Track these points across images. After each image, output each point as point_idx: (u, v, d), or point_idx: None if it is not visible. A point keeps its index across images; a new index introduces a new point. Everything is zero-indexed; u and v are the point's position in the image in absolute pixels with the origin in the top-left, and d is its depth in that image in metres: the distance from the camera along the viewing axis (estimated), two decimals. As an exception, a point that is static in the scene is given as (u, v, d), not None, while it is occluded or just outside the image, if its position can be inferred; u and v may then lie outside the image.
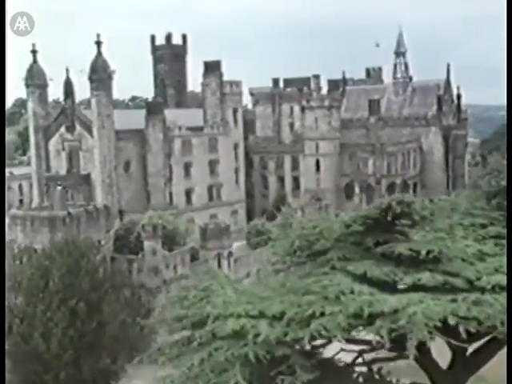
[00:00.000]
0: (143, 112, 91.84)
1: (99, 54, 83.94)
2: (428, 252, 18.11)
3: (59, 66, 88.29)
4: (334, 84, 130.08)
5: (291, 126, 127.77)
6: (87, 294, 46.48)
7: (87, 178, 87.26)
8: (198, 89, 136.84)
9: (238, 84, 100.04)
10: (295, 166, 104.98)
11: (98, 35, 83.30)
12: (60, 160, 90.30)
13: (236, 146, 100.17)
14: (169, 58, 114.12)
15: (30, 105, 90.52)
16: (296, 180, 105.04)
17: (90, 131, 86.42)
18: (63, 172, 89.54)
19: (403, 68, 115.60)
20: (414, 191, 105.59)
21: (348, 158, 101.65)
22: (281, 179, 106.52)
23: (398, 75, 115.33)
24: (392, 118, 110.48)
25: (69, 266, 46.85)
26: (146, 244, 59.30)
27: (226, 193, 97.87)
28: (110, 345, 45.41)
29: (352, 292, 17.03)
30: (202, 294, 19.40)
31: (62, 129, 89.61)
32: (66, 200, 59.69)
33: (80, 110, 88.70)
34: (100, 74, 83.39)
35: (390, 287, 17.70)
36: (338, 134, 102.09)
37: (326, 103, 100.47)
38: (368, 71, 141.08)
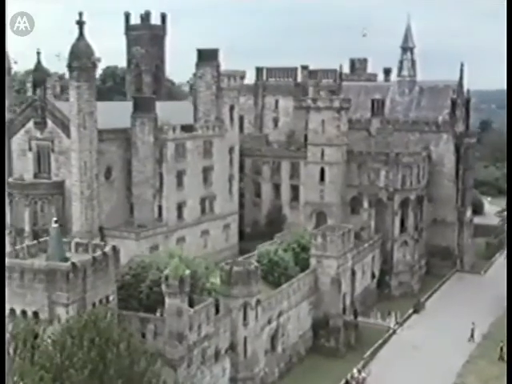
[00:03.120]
0: (127, 105, 76.46)
1: (81, 36, 67.98)
2: None
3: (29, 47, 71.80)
4: (314, 75, 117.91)
5: (275, 121, 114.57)
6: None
7: (60, 187, 71.57)
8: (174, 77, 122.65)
9: (235, 77, 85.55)
10: (294, 173, 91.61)
11: (81, 14, 67.42)
12: (25, 162, 74.09)
13: (231, 150, 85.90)
14: (146, 39, 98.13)
15: (-11, 93, 73.74)
16: (294, 189, 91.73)
17: (65, 129, 70.63)
18: (29, 176, 73.45)
19: (409, 65, 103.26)
20: (421, 206, 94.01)
21: (356, 167, 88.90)
22: (276, 187, 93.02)
23: (405, 73, 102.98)
24: (397, 121, 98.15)
25: (93, 364, 32.39)
26: (170, 302, 45.06)
27: (219, 204, 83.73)
28: None
29: None
30: None
31: (30, 124, 73.33)
32: (62, 240, 44.51)
33: (54, 103, 72.41)
34: (82, 62, 67.52)
35: None
36: (346, 139, 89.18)
37: (336, 104, 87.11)
38: (353, 62, 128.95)
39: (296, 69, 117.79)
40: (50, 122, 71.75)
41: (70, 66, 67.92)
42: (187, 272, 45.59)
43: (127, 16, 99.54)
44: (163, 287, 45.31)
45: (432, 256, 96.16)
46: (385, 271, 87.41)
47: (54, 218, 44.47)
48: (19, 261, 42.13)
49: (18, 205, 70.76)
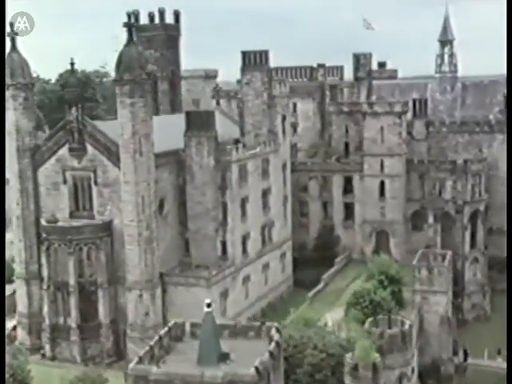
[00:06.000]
0: (179, 120, 63.27)
1: (131, 41, 55.18)
2: None
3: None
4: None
5: (293, 126, 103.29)
6: None
7: (107, 228, 58.44)
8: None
9: (285, 83, 73.98)
10: (347, 188, 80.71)
11: (129, 15, 54.76)
12: (58, 197, 60.48)
13: (284, 167, 74.34)
14: (161, 41, 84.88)
15: (9, 116, 59.85)
16: (348, 207, 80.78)
17: (111, 156, 57.58)
18: (64, 215, 59.93)
19: (450, 60, 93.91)
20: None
21: (417, 178, 78.79)
22: (325, 205, 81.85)
23: (445, 68, 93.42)
24: (443, 122, 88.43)
25: None
26: (361, 400, 33.52)
27: (277, 231, 72.03)
28: None
29: None
30: None
31: (62, 151, 59.83)
32: (217, 327, 32.15)
33: (95, 124, 59.16)
34: (135, 72, 54.67)
35: None
36: (406, 147, 78.87)
37: (398, 108, 76.58)
38: (357, 57, 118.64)
39: (311, 68, 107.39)
40: (90, 148, 58.48)
41: (119, 79, 54.90)
42: (377, 356, 34.12)
43: (136, 16, 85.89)
44: (347, 380, 33.74)
45: (489, 269, 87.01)
46: (455, 293, 77.58)
47: (208, 300, 31.88)
48: (182, 372, 29.41)
49: (58, 253, 57.25)
